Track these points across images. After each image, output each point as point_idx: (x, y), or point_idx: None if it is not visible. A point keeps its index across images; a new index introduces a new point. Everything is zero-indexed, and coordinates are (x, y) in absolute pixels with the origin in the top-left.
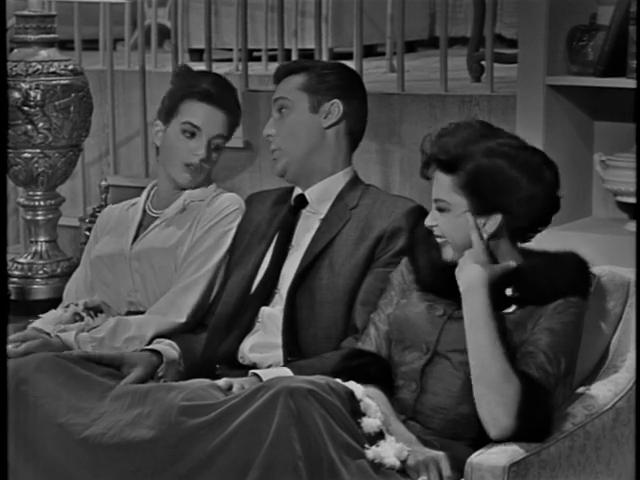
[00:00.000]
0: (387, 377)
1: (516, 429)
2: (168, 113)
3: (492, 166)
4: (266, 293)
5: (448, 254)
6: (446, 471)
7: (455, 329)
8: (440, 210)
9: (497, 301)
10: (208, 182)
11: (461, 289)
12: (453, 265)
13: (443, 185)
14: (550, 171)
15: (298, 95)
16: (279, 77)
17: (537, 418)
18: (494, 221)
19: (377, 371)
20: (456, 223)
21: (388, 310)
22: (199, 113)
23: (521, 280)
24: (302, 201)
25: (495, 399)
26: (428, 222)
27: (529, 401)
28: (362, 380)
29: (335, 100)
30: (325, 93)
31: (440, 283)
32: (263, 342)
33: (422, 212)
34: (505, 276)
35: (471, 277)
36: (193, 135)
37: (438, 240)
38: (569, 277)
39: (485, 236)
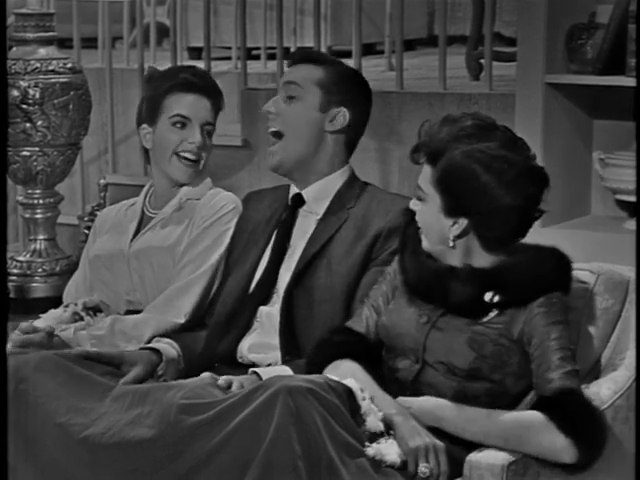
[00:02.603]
0: (371, 357)
1: (577, 440)
2: (152, 114)
3: (465, 169)
4: (264, 293)
5: (424, 243)
6: (444, 466)
7: (438, 339)
8: (418, 198)
9: (476, 309)
10: (203, 178)
11: (430, 423)
12: (435, 268)
13: (425, 174)
14: (533, 186)
15: (311, 88)
16: (297, 60)
17: (580, 415)
18: (460, 224)
19: (360, 350)
20: (429, 215)
21: (379, 299)
22: (185, 103)
23: (500, 282)
24: (299, 200)
25: (535, 447)
26: (410, 205)
27: (563, 414)
28: (342, 356)
29: (343, 109)
30: (337, 97)
31: (423, 286)
32: (261, 342)
33: None
34: (482, 281)
35: (430, 411)
36: (184, 126)
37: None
38: (549, 274)
39: (451, 237)
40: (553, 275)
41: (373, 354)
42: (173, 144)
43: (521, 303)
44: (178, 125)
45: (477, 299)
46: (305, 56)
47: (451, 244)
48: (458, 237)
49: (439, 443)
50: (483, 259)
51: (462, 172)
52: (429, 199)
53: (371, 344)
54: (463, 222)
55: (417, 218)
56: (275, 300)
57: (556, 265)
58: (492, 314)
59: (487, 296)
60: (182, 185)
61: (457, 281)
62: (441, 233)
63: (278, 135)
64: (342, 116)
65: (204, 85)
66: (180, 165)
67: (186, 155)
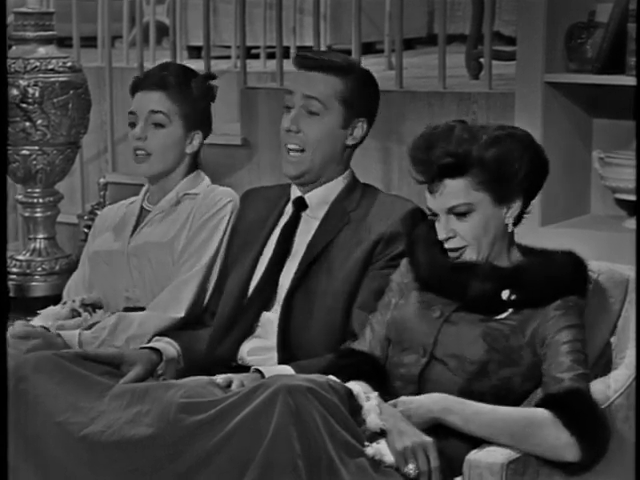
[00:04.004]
0: (378, 376)
1: (582, 440)
2: None
3: (505, 151)
4: (265, 297)
5: (471, 255)
6: (434, 460)
7: (451, 333)
8: (461, 215)
9: (493, 306)
10: (198, 174)
11: (436, 414)
12: (453, 262)
13: (458, 189)
14: (540, 147)
15: (333, 104)
16: (310, 67)
17: (587, 417)
18: (516, 206)
19: (368, 370)
20: (483, 219)
21: (386, 313)
22: (134, 101)
23: (518, 282)
24: (301, 204)
25: (539, 442)
26: (444, 235)
27: (570, 413)
28: (352, 378)
29: (362, 119)
30: (357, 110)
31: (438, 280)
32: (262, 346)
33: (420, 214)
34: (501, 279)
35: (436, 402)
36: (134, 123)
37: (454, 253)
38: (567, 277)
39: (510, 221)
40: (570, 278)
41: (379, 370)
42: (132, 145)
43: (537, 304)
44: (130, 126)
45: (494, 296)
46: (321, 63)
47: (510, 228)
48: (515, 220)
49: (427, 439)
50: (507, 257)
51: (505, 155)
52: (478, 206)
53: (376, 361)
54: (518, 203)
55: (460, 239)
56: (277, 306)
57: (573, 269)
58: (507, 312)
59: (504, 294)
60: (153, 182)
61: (476, 277)
62: (498, 227)
63: (299, 150)
64: (361, 127)
65: (154, 79)
66: (135, 161)
67: (136, 152)
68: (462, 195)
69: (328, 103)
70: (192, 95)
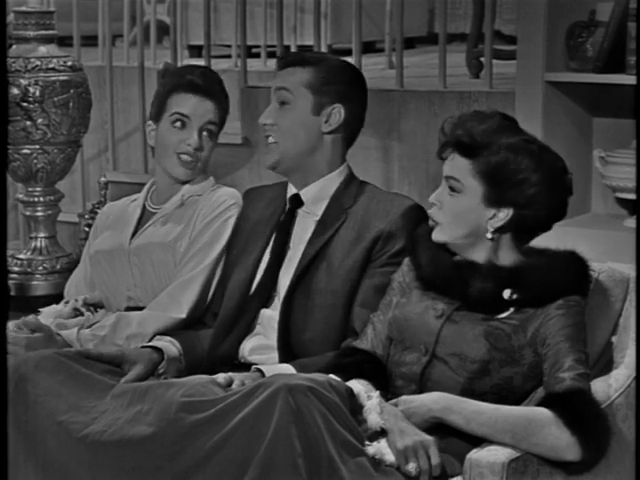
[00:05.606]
0: (380, 375)
1: (583, 439)
2: (158, 111)
3: (516, 161)
4: (264, 295)
5: (445, 236)
6: (435, 458)
7: (453, 332)
8: (453, 190)
9: (494, 305)
10: (205, 176)
11: (437, 414)
12: (454, 261)
13: (459, 166)
14: (568, 178)
15: (301, 91)
16: (283, 65)
17: (588, 417)
18: (504, 214)
19: (370, 369)
20: (465, 206)
21: (387, 312)
22: (187, 103)
23: (520, 282)
24: (297, 201)
25: (540, 441)
26: (432, 198)
27: (571, 413)
28: (354, 377)
29: (337, 105)
30: (329, 96)
31: (440, 279)
32: (263, 344)
33: (420, 211)
34: (503, 279)
35: (436, 401)
36: (184, 125)
37: (431, 221)
38: (569, 277)
39: (491, 229)
40: (571, 278)
41: (380, 369)
42: (173, 145)
43: (539, 304)
44: (177, 124)
45: (496, 295)
46: (292, 59)
47: (490, 236)
48: (499, 229)
49: (428, 438)
50: (508, 256)
51: (514, 164)
52: (467, 190)
53: (378, 359)
54: (508, 212)
55: (440, 212)
56: (276, 303)
57: (575, 268)
58: (508, 312)
59: (506, 293)
60: (183, 183)
61: (478, 276)
62: (475, 224)
63: (276, 143)
64: (337, 113)
65: (208, 87)
66: (178, 164)
67: (183, 157)
68: (459, 173)
69: (296, 91)
70: (225, 103)
